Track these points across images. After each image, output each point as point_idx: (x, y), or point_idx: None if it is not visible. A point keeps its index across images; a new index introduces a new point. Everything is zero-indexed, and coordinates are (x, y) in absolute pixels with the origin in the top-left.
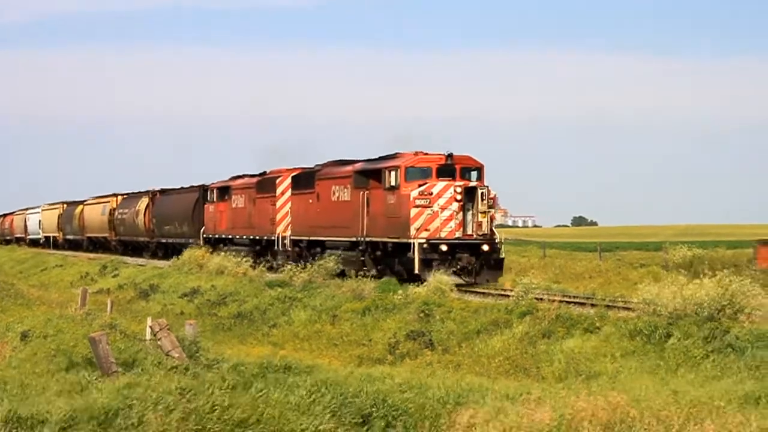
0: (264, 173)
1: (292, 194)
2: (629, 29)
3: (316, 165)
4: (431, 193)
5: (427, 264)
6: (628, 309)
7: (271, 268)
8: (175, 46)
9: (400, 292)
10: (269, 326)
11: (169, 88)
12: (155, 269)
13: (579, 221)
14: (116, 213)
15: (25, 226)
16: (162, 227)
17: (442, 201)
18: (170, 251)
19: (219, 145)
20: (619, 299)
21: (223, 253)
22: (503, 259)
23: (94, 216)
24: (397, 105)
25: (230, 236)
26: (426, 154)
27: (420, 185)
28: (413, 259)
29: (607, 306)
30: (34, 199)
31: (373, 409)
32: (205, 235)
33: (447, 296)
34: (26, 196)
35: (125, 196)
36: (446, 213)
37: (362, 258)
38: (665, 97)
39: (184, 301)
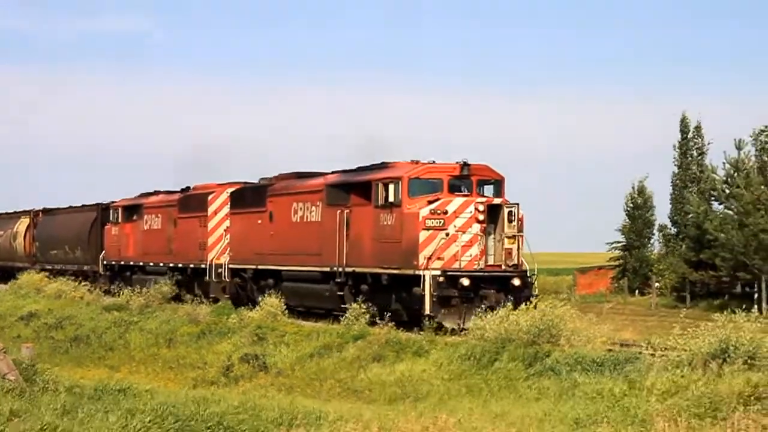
0: (187, 189)
1: (231, 213)
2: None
3: (262, 179)
4: (446, 212)
5: (443, 302)
6: (456, 334)
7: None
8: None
9: (233, 316)
10: (106, 349)
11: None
12: None
13: None
14: None
15: None
16: (47, 252)
17: (459, 222)
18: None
19: (116, 165)
20: None
21: (122, 287)
22: (537, 296)
23: None
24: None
25: (141, 263)
26: (432, 162)
27: (430, 202)
28: (423, 296)
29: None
30: None
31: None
32: (105, 262)
33: (280, 320)
34: None
35: None
36: (466, 237)
37: (340, 293)
38: (487, 125)
39: (22, 324)
